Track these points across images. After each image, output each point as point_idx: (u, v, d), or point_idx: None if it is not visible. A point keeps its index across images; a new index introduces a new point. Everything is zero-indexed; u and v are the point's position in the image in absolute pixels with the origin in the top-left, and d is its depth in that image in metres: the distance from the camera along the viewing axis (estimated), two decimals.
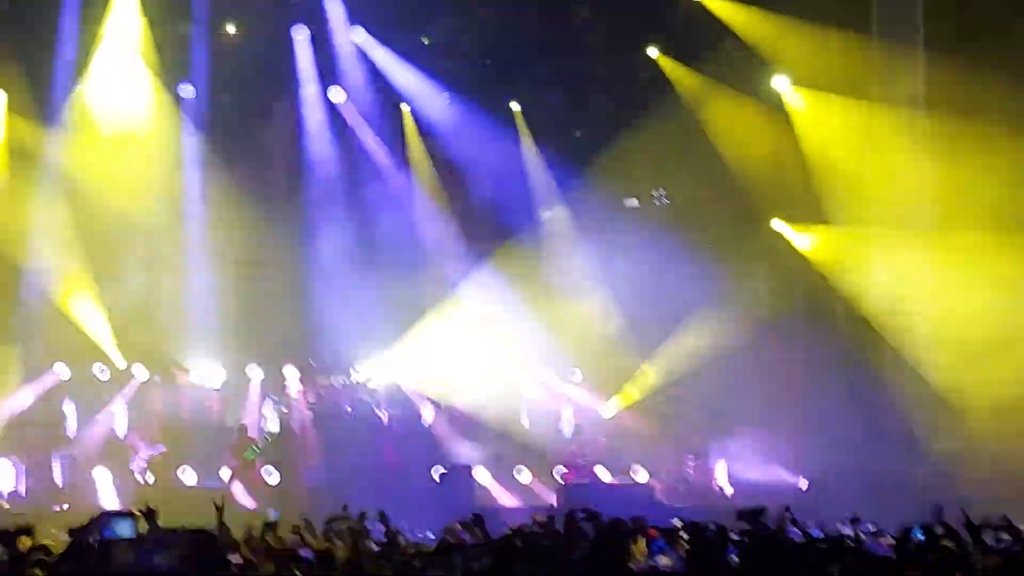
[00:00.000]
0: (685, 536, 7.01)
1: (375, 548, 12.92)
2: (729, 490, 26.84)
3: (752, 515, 11.52)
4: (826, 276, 26.65)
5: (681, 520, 18.46)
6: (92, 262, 26.94)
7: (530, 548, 10.48)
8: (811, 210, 26.55)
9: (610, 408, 28.39)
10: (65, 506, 24.54)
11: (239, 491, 25.64)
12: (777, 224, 27.74)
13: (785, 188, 26.70)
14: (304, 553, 11.67)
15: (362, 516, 15.22)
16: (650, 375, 27.76)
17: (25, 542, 12.85)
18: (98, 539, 7.99)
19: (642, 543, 6.40)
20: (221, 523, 11.76)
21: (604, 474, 27.12)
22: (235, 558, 10.32)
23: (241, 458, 25.91)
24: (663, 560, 6.47)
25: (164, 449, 26.06)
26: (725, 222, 27.30)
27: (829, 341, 26.64)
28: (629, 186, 28.95)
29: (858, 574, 7.01)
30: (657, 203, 28.96)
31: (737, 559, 8.52)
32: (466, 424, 27.73)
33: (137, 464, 25.86)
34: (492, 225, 28.58)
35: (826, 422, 25.92)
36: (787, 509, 16.51)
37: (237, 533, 13.57)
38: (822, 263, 26.84)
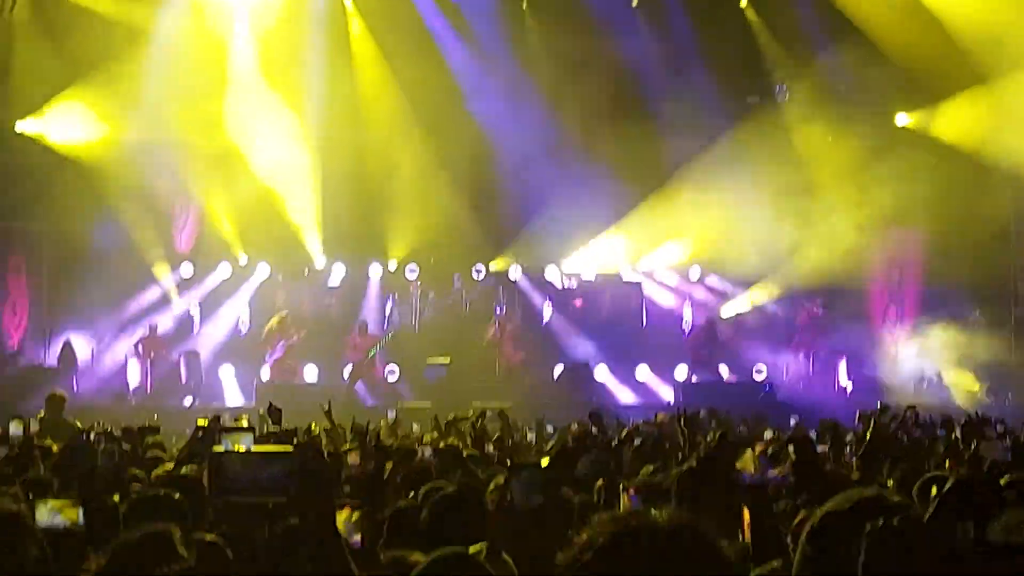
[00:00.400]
0: (792, 448, 6.96)
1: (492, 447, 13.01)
2: (848, 386, 26.66)
3: (870, 417, 11.42)
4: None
5: (798, 418, 18.46)
6: (215, 161, 27.14)
7: (641, 450, 10.51)
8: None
9: (731, 308, 28.19)
10: (188, 401, 25.05)
11: (360, 388, 26.01)
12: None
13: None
14: (425, 452, 11.79)
15: (483, 414, 15.28)
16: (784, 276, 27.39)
17: (151, 440, 13.20)
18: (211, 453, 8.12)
19: (750, 454, 6.38)
20: (332, 425, 11.86)
21: (725, 371, 27.04)
22: (352, 458, 10.42)
23: (364, 355, 26.20)
24: (774, 472, 6.45)
25: (296, 339, 26.38)
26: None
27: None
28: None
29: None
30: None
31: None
32: (586, 321, 27.73)
33: (272, 356, 26.24)
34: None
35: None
36: (911, 407, 16.38)
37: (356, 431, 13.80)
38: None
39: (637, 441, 11.55)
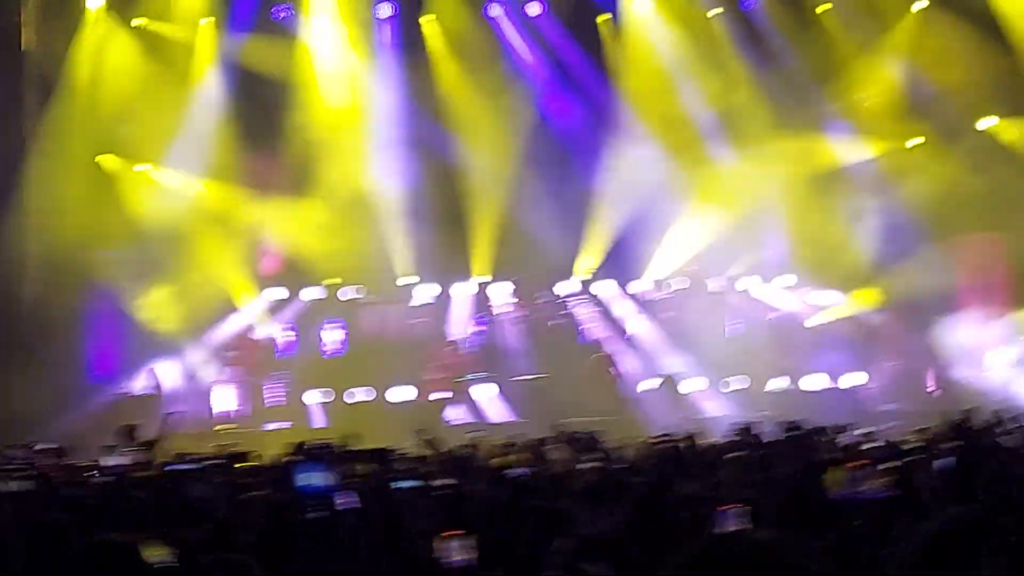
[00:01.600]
0: (886, 465, 6.86)
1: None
2: (938, 392, 26.29)
3: (958, 427, 11.23)
4: None
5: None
6: (299, 183, 27.45)
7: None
8: None
9: (817, 318, 27.94)
10: (276, 425, 25.18)
11: (450, 407, 26.07)
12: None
13: None
14: (513, 472, 11.78)
15: (569, 436, 15.27)
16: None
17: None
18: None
19: (839, 472, 6.29)
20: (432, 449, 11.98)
21: (810, 382, 26.79)
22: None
23: (456, 373, 26.24)
24: (867, 485, 6.36)
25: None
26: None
27: None
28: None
29: None
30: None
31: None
32: (672, 335, 27.62)
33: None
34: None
35: None
36: (998, 412, 16.12)
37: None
38: None
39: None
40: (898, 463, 7.34)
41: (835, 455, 10.42)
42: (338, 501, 8.34)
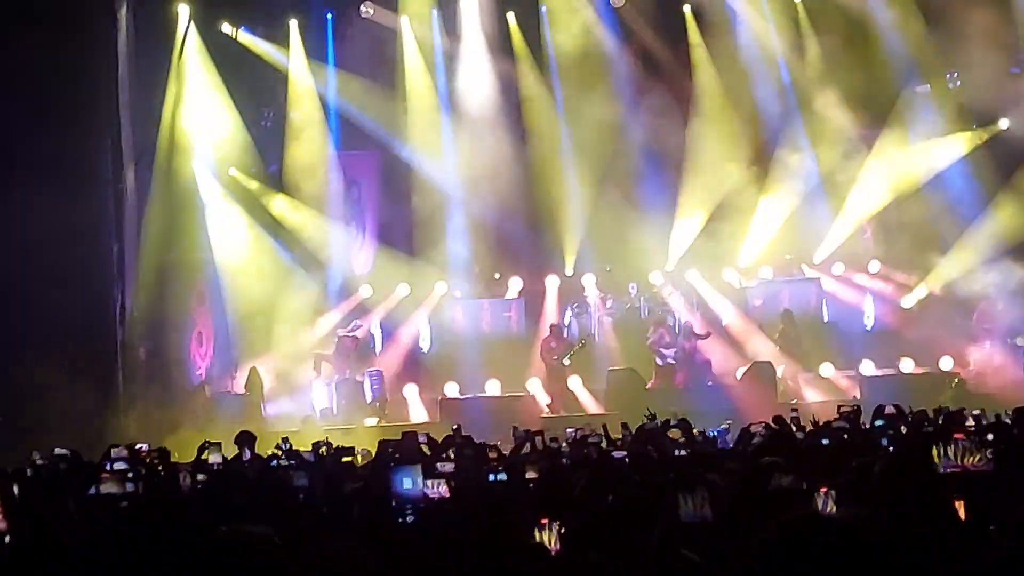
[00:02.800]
0: (989, 437, 6.81)
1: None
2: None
3: None
4: None
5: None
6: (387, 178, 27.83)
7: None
8: None
9: (911, 298, 27.68)
10: (374, 420, 25.37)
11: (544, 399, 26.14)
12: None
13: None
14: (616, 455, 11.83)
15: (666, 422, 15.24)
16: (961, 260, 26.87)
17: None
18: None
19: (947, 448, 6.24)
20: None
21: (908, 364, 26.52)
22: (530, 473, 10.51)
23: (558, 359, 26.27)
24: (970, 459, 6.30)
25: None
26: None
27: None
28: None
29: None
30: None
31: None
32: (764, 322, 27.51)
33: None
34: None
35: None
36: None
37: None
38: None
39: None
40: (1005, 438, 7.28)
41: (940, 431, 10.32)
42: (430, 493, 8.40)
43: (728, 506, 6.45)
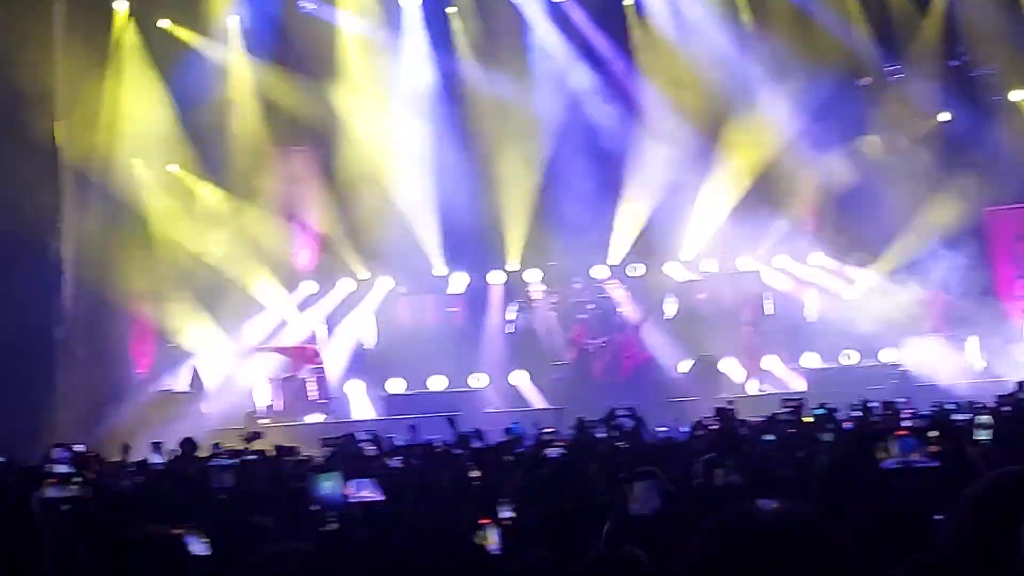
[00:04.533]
0: (933, 433, 6.78)
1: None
2: (981, 365, 26.03)
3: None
4: None
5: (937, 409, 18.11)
6: (329, 174, 27.56)
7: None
8: None
9: (853, 290, 27.77)
10: (318, 418, 25.23)
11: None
12: None
13: None
14: (550, 453, 11.78)
15: (610, 414, 15.21)
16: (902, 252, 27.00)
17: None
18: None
19: (890, 444, 6.22)
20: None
21: (850, 357, 26.62)
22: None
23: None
24: (915, 456, 6.29)
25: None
26: None
27: None
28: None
29: None
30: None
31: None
32: (708, 315, 27.53)
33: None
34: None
35: None
36: None
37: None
38: None
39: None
40: (947, 433, 7.26)
41: (884, 426, 10.34)
42: (360, 494, 8.30)
43: (672, 502, 6.41)
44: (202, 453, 14.99)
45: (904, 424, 10.02)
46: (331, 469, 8.55)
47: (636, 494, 6.22)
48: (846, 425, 12.57)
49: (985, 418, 10.28)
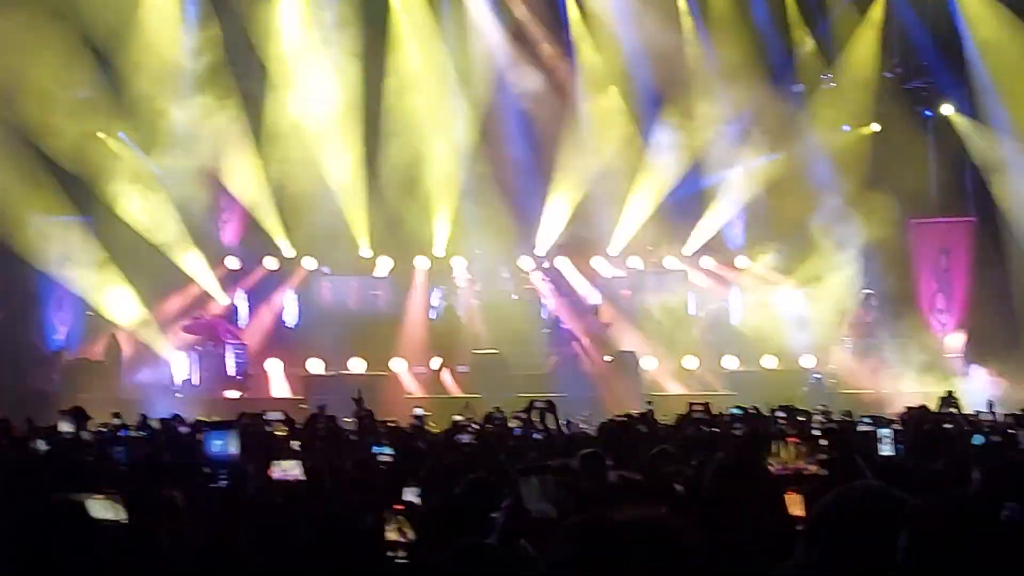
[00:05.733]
0: (824, 442, 6.89)
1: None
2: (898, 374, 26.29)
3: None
4: None
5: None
6: (258, 150, 27.37)
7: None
8: None
9: (776, 294, 27.94)
10: (235, 394, 25.15)
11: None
12: None
13: None
14: (462, 438, 11.86)
15: (530, 404, 15.22)
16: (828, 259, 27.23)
17: None
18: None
19: (789, 447, 6.30)
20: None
21: (770, 360, 26.81)
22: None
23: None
24: (804, 463, 6.38)
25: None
26: None
27: None
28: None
29: None
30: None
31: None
32: (631, 312, 27.65)
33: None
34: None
35: None
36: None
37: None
38: None
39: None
40: (840, 442, 7.38)
41: (779, 431, 10.48)
42: (280, 476, 8.32)
43: (565, 499, 6.45)
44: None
45: (805, 431, 10.21)
46: (227, 428, 8.53)
47: (529, 489, 6.25)
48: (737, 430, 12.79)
49: (886, 431, 10.43)
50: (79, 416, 14.65)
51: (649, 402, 17.84)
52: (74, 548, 5.11)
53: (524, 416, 14.12)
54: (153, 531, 5.66)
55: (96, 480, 8.44)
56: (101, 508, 6.51)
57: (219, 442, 8.19)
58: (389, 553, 6.38)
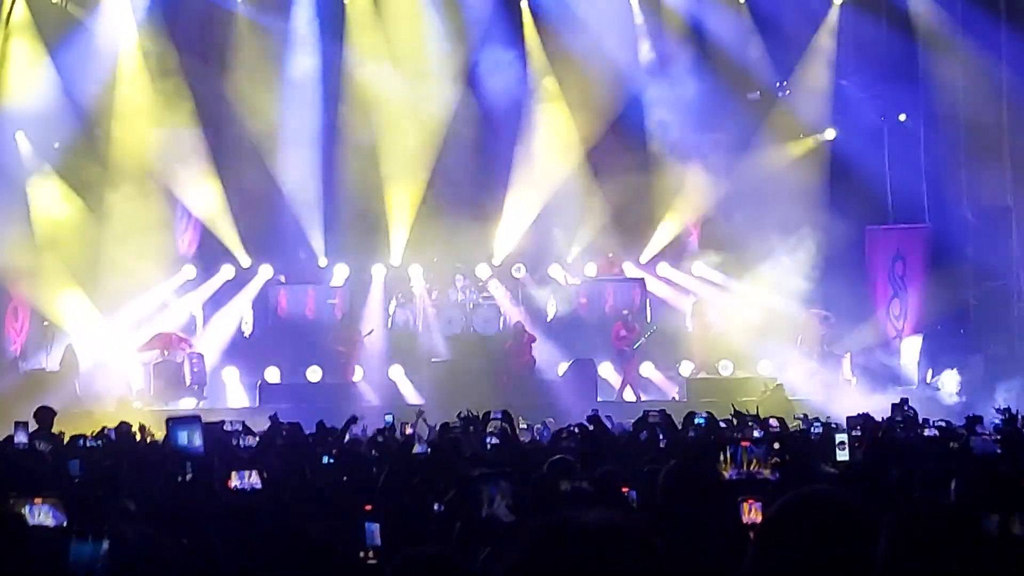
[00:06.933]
0: (776, 446, 6.92)
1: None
2: (853, 381, 26.40)
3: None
4: None
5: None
6: (214, 159, 27.30)
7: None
8: None
9: (733, 301, 28.01)
10: (192, 403, 25.03)
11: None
12: None
13: None
14: (419, 448, 11.85)
15: (486, 414, 15.20)
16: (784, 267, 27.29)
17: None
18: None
19: (733, 455, 6.34)
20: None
21: (727, 367, 26.84)
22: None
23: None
24: (755, 466, 6.42)
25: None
26: None
27: None
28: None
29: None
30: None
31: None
32: (589, 320, 27.67)
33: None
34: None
35: None
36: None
37: None
38: None
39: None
40: (792, 448, 7.41)
41: (733, 437, 10.50)
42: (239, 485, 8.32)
43: (521, 506, 6.47)
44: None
45: (753, 437, 10.23)
46: (191, 421, 8.48)
47: (484, 496, 6.27)
48: (691, 435, 12.84)
49: (842, 436, 10.50)
50: (44, 421, 14.59)
51: (595, 410, 17.77)
52: (7, 556, 5.13)
53: (479, 425, 14.11)
54: (97, 536, 5.63)
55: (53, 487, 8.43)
56: (42, 514, 6.51)
57: (184, 434, 8.15)
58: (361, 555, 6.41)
